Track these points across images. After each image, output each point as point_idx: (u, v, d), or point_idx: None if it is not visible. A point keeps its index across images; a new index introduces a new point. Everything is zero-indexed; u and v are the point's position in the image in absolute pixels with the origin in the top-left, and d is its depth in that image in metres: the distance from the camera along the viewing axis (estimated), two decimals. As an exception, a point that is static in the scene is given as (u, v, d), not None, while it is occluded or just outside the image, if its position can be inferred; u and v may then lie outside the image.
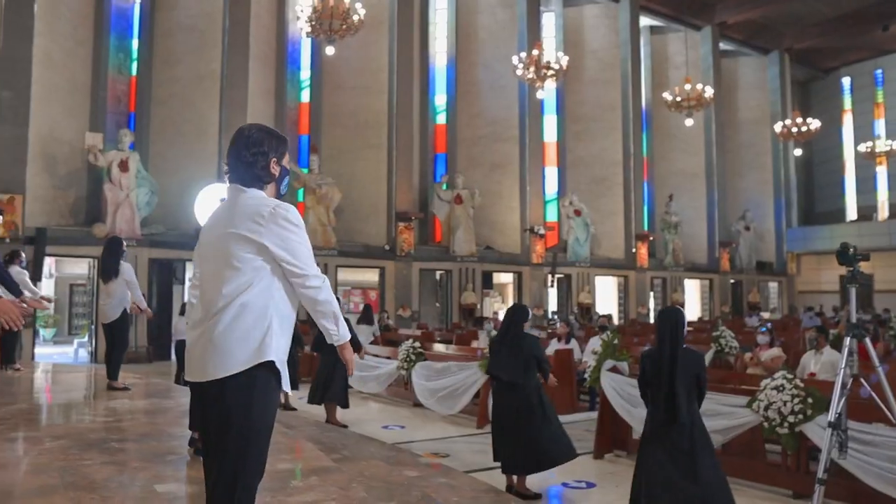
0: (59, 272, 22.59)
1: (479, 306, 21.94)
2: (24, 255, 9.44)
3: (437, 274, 23.03)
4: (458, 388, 9.14)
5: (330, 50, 15.45)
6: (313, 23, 13.98)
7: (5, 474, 4.14)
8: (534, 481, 5.89)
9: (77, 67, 18.39)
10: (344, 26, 13.92)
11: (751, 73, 31.99)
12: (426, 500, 3.96)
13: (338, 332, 2.64)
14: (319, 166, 20.63)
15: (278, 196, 2.71)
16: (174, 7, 19.66)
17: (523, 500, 5.42)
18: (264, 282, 2.50)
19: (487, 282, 23.48)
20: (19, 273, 9.32)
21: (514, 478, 5.77)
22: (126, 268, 7.44)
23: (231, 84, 18.63)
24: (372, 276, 21.31)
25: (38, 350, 16.87)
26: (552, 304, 24.23)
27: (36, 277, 15.45)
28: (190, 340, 2.54)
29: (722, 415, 5.83)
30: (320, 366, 9.29)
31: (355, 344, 7.32)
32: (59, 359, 16.36)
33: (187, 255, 18.33)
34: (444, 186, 22.95)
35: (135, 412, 6.30)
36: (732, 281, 29.55)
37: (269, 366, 2.47)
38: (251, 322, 2.46)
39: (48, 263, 21.24)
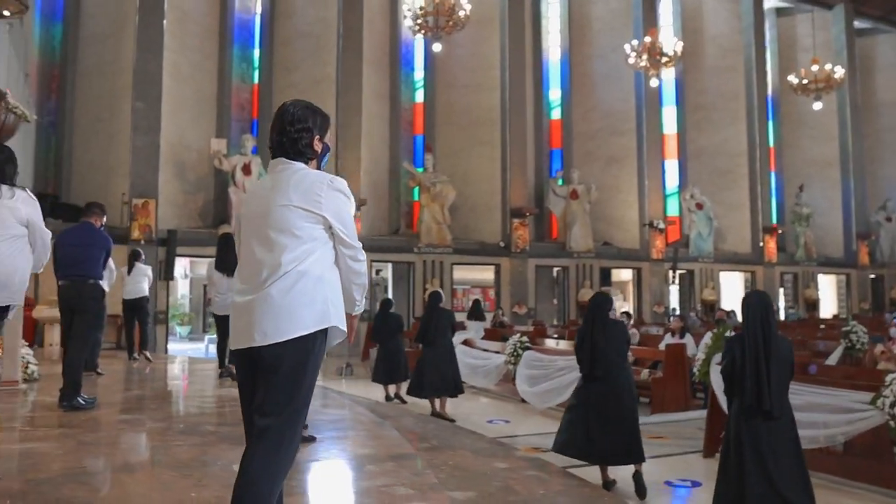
0: (194, 273, 23.92)
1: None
2: (143, 254, 10.43)
3: (554, 271, 22.73)
4: (560, 382, 8.91)
5: (437, 47, 15.53)
6: (419, 20, 14.09)
7: (103, 451, 4.40)
8: (620, 475, 5.72)
9: (203, 78, 19.39)
10: (450, 22, 13.95)
11: (891, 51, 29.63)
12: (506, 490, 3.82)
13: (361, 303, 2.70)
14: (434, 165, 20.78)
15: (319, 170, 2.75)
16: (292, 15, 20.37)
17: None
18: (321, 251, 2.55)
19: (605, 278, 22.91)
20: (143, 269, 9.93)
21: (608, 471, 5.64)
22: None
23: (346, 88, 19.11)
24: (487, 274, 21.25)
25: (172, 346, 17.91)
26: (674, 301, 23.35)
27: (168, 276, 16.43)
28: (239, 308, 2.55)
29: (843, 410, 5.35)
30: (421, 358, 9.37)
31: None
32: (192, 353, 17.29)
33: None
34: (560, 182, 22.60)
35: (228, 399, 6.48)
36: (872, 276, 27.46)
37: (324, 332, 2.53)
38: (312, 288, 2.50)
39: (183, 265, 22.59)
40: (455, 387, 9.20)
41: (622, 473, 5.70)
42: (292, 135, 2.63)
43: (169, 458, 4.09)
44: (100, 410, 5.58)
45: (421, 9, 14.16)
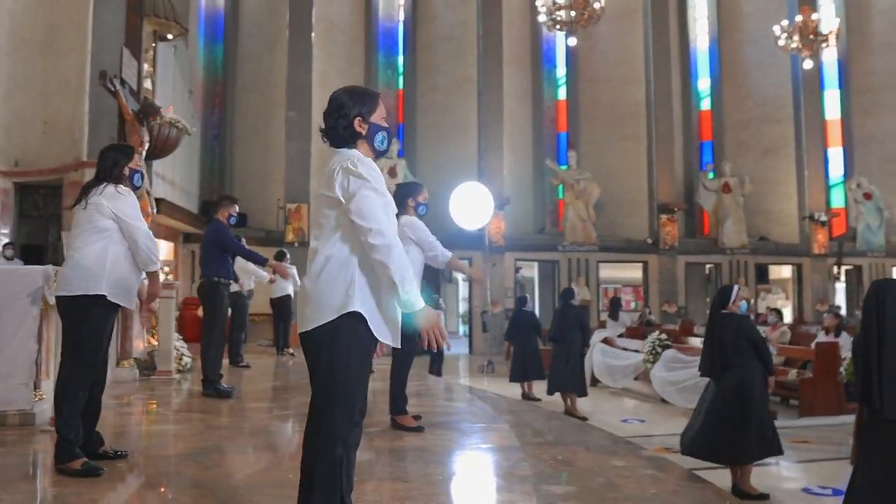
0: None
1: (752, 301, 20.34)
2: (288, 255, 10.89)
3: (707, 268, 21.79)
4: (702, 381, 8.53)
5: (573, 41, 15.29)
6: (554, 16, 13.90)
7: (225, 434, 4.77)
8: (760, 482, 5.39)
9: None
10: (585, 15, 13.67)
11: None
12: (609, 486, 3.74)
13: (408, 297, 2.49)
14: (578, 162, 20.49)
15: (376, 153, 2.68)
16: (433, 20, 20.76)
17: (748, 499, 5.09)
18: (346, 236, 2.52)
19: (762, 275, 21.69)
20: (289, 266, 10.45)
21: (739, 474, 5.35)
22: None
23: (487, 88, 19.24)
24: (634, 273, 20.68)
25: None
26: (840, 299, 21.73)
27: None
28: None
29: None
30: (554, 355, 9.28)
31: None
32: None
33: (455, 254, 19.23)
34: (711, 175, 21.64)
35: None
36: None
37: (356, 316, 2.49)
38: (335, 274, 2.50)
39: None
40: (579, 385, 9.02)
41: (769, 482, 5.36)
42: (331, 123, 2.67)
43: (282, 442, 4.42)
44: (236, 399, 6.06)
45: (554, 3, 13.96)
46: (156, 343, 7.19)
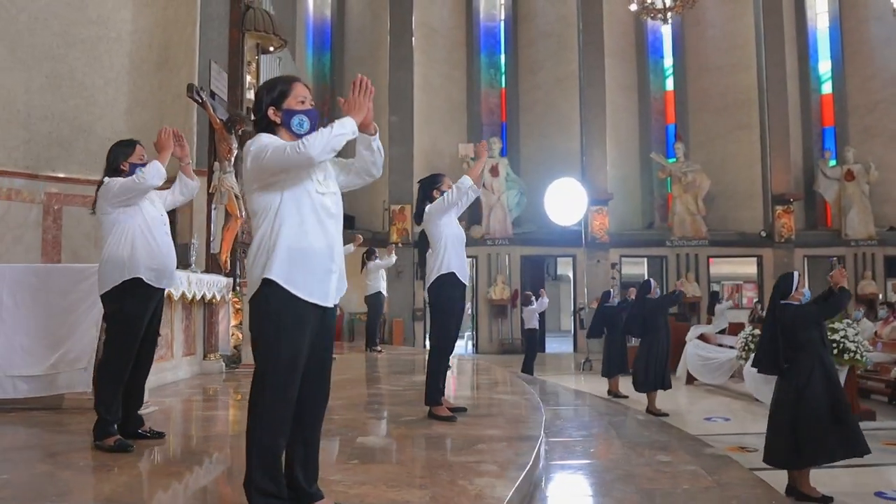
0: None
1: (880, 296, 19.08)
2: (376, 253, 11.21)
3: (831, 261, 20.57)
4: None
5: (666, 30, 14.82)
6: (646, 4, 13.52)
7: (380, 432, 4.97)
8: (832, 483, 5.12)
9: (453, 87, 20.40)
10: (678, 2, 13.21)
11: None
12: (626, 478, 3.68)
13: (342, 130, 2.56)
14: (685, 154, 19.89)
15: (297, 138, 2.62)
16: (534, 17, 20.70)
17: (806, 502, 4.93)
18: (268, 213, 2.60)
19: (892, 268, 20.28)
20: (372, 267, 10.73)
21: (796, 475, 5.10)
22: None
23: (588, 83, 19.00)
24: (747, 268, 19.84)
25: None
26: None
27: (422, 276, 17.52)
28: None
29: None
30: (637, 352, 9.10)
31: None
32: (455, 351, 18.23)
33: (557, 252, 19.18)
34: (831, 162, 20.45)
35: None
36: None
37: (272, 284, 2.54)
38: (258, 252, 2.60)
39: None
40: (658, 380, 8.78)
41: (840, 485, 5.08)
42: (255, 118, 2.75)
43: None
44: None
45: (644, -10, 13.57)
46: (241, 337, 7.56)
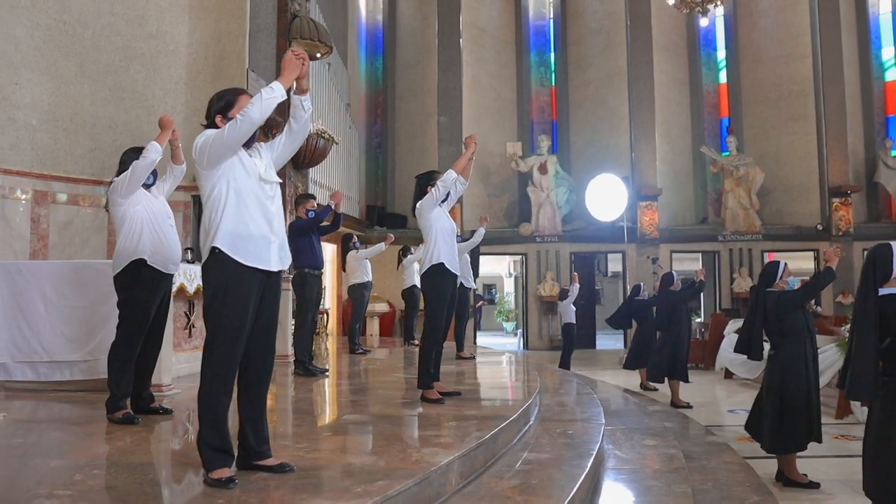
0: (516, 271, 25.51)
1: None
2: (412, 249, 11.26)
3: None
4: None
5: (704, 22, 14.67)
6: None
7: (280, 404, 5.43)
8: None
9: (503, 87, 20.61)
10: (716, -7, 13.03)
11: None
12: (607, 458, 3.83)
13: (271, 94, 3.00)
14: (737, 147, 19.65)
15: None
16: (582, 14, 20.74)
17: (794, 487, 4.94)
18: (216, 198, 3.05)
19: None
20: (408, 260, 10.89)
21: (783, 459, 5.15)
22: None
23: (637, 78, 18.97)
24: (804, 262, 19.46)
25: (493, 339, 19.31)
26: None
27: (475, 274, 17.77)
28: None
29: None
30: (659, 345, 9.16)
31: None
32: (500, 346, 18.47)
33: (606, 248, 19.18)
34: (894, 152, 19.89)
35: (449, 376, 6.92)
36: None
37: (216, 252, 2.98)
38: (209, 225, 3.06)
39: (506, 264, 24.19)
40: (675, 372, 8.80)
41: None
42: (204, 123, 3.25)
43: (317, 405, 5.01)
44: (326, 377, 6.82)
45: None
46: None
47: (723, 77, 21.91)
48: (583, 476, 3.47)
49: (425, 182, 5.43)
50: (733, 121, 21.19)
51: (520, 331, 19.66)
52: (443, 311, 5.21)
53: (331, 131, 12.55)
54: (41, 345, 5.46)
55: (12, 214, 10.66)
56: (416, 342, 11.22)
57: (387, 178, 20.66)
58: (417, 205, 5.36)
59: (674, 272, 9.59)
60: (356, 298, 10.16)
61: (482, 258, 18.93)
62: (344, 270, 10.83)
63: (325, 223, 7.04)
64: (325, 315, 10.47)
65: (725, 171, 19.23)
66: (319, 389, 6.19)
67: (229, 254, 2.96)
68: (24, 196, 9.78)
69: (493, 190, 19.85)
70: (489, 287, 28.77)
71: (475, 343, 17.44)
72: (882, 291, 3.42)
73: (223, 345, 2.92)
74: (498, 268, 27.69)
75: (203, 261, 3.08)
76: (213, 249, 2.98)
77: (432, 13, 19.37)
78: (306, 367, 6.85)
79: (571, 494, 3.17)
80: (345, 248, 10.59)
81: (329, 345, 9.00)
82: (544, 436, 4.42)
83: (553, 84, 21.65)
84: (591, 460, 3.78)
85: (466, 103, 18.51)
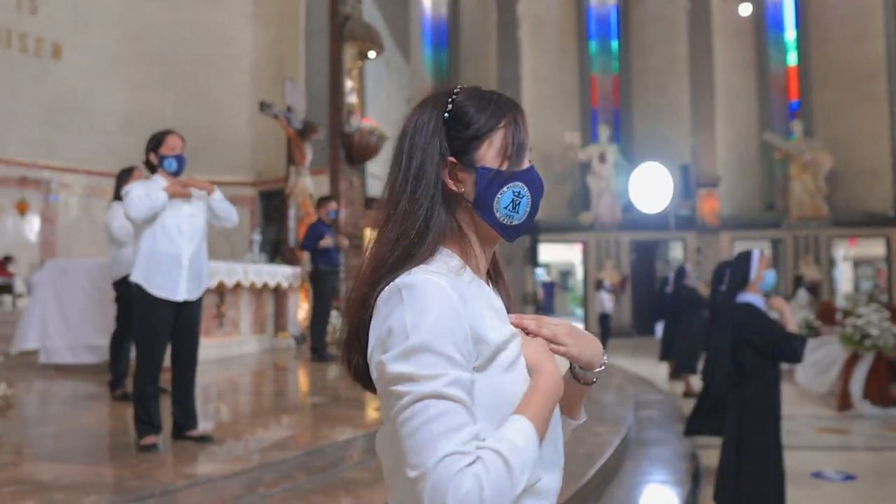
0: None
1: None
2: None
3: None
4: (825, 361, 8.11)
5: (744, 9, 14.47)
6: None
7: (293, 391, 6.13)
8: None
9: (564, 76, 20.80)
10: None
11: None
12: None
13: (149, 203, 3.79)
14: (805, 131, 19.27)
15: (169, 174, 3.88)
16: (644, 1, 20.69)
17: None
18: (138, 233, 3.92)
19: None
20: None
21: None
22: None
23: (696, 64, 18.88)
24: (875, 248, 18.97)
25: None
26: None
27: (533, 262, 18.17)
28: None
29: None
30: (673, 338, 9.33)
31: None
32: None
33: (667, 236, 19.19)
34: (973, 133, 19.10)
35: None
36: None
37: (135, 284, 3.75)
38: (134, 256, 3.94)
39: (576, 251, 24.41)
40: (687, 366, 8.90)
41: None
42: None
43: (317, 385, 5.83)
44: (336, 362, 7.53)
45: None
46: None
47: (791, 59, 21.43)
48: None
49: None
50: (802, 104, 20.73)
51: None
52: None
53: (388, 127, 13.16)
54: (79, 331, 6.35)
55: (97, 211, 11.71)
56: None
57: (451, 169, 21.16)
58: None
59: (687, 266, 9.73)
60: None
61: (543, 246, 19.31)
62: None
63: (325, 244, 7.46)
64: None
65: (791, 157, 18.91)
66: (318, 374, 6.87)
67: (143, 285, 3.88)
68: (105, 195, 10.74)
69: (555, 179, 20.08)
70: (564, 274, 28.96)
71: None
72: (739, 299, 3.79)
73: (144, 352, 3.89)
74: (570, 255, 27.89)
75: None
76: (133, 282, 3.93)
77: (492, 5, 19.72)
78: (320, 353, 7.44)
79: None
80: None
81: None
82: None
83: (616, 72, 21.67)
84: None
85: (526, 94, 18.82)
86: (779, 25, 21.67)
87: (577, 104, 21.00)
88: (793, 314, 3.97)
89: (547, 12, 20.61)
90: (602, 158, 18.70)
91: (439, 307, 0.97)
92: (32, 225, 11.46)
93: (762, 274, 3.86)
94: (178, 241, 3.78)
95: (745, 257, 3.95)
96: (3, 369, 4.85)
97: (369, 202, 12.31)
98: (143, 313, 3.74)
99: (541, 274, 26.25)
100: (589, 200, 19.35)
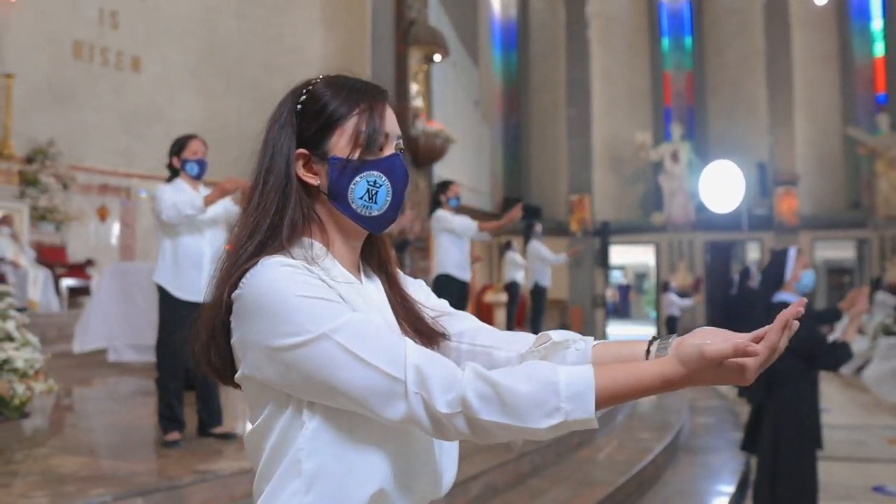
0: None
1: None
2: (513, 244, 11.21)
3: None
4: None
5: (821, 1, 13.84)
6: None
7: None
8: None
9: (634, 75, 20.43)
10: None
11: None
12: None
13: (190, 209, 3.75)
14: (890, 126, 18.36)
15: (191, 177, 3.95)
16: (717, -5, 20.18)
17: None
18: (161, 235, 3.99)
19: None
20: (509, 258, 10.93)
21: None
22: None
23: (773, 58, 18.25)
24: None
25: (626, 329, 19.36)
26: None
27: (603, 264, 17.91)
28: None
29: None
30: None
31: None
32: (632, 336, 18.48)
33: (743, 236, 18.59)
34: None
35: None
36: None
37: (159, 287, 3.87)
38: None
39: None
40: None
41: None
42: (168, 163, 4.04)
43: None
44: None
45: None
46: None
47: (878, 49, 20.45)
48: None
49: (439, 191, 5.79)
50: (890, 97, 19.76)
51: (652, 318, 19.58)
52: None
53: (455, 129, 13.20)
54: (141, 331, 6.53)
55: (172, 216, 12.04)
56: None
57: (522, 170, 21.06)
58: (435, 215, 5.72)
59: (751, 267, 9.39)
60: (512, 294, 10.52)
61: (616, 248, 19.01)
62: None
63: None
64: None
65: (876, 154, 18.06)
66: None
67: (166, 287, 4.02)
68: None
69: (626, 180, 19.77)
70: (640, 276, 28.47)
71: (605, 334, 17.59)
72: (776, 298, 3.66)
73: (165, 351, 4.01)
74: (645, 257, 27.37)
75: None
76: (158, 286, 4.12)
77: (561, 5, 19.54)
78: None
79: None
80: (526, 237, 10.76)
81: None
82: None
83: (689, 69, 21.15)
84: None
85: (596, 94, 18.59)
86: (864, 14, 20.71)
87: (648, 103, 20.59)
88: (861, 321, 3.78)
89: (617, 11, 20.28)
90: (675, 157, 18.28)
91: (294, 275, 0.97)
92: (113, 230, 11.96)
93: (798, 274, 3.71)
94: (200, 244, 3.88)
95: (781, 255, 3.82)
96: (63, 367, 5.12)
97: (435, 205, 12.38)
98: (165, 313, 3.89)
99: (616, 276, 25.83)
100: (661, 201, 18.93)
